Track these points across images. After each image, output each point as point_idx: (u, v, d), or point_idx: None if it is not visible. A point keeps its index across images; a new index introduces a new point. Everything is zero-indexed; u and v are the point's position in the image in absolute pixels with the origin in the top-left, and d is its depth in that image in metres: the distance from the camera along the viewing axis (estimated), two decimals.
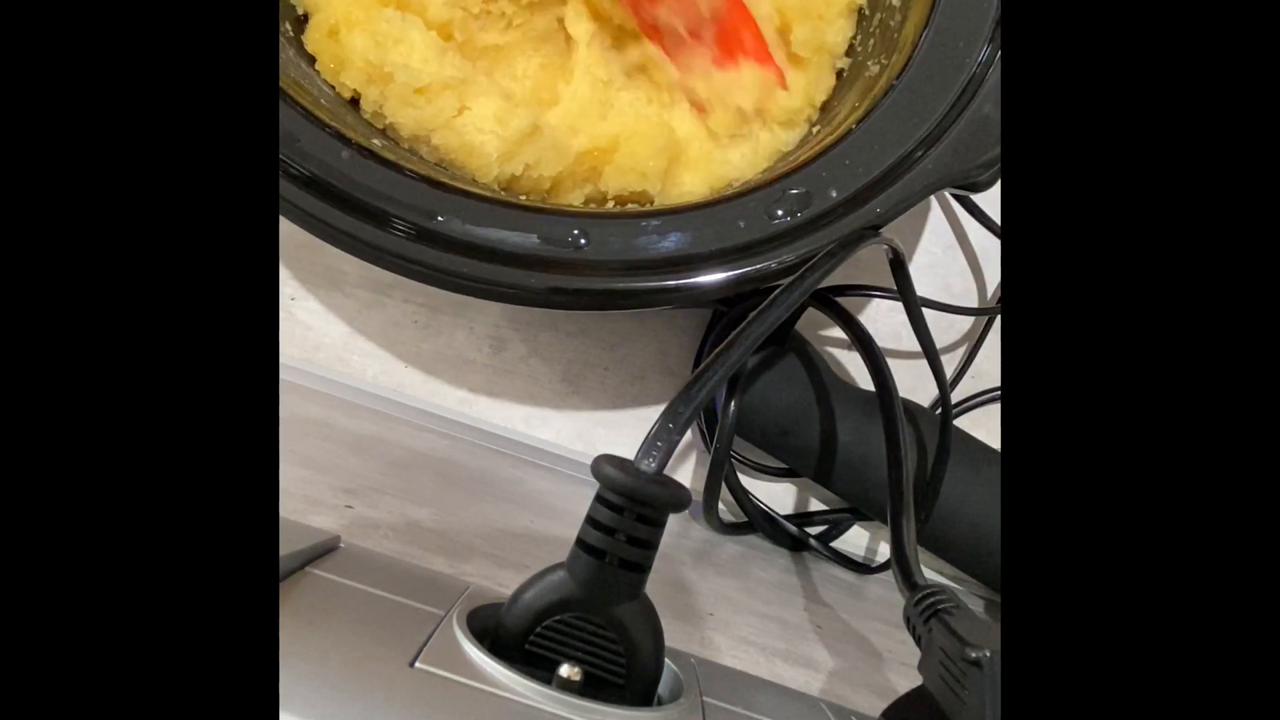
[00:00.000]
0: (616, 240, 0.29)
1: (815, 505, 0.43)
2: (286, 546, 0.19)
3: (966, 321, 0.44)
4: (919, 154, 0.29)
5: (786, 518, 0.41)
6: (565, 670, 0.19)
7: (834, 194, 0.29)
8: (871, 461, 0.37)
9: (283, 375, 0.39)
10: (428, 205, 0.29)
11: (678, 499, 0.19)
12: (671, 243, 0.29)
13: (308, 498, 0.28)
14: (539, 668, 0.19)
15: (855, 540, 0.43)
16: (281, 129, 0.28)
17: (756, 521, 0.40)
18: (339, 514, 0.27)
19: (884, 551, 0.43)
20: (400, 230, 0.28)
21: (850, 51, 0.36)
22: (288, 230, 0.28)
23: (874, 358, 0.35)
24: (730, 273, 0.28)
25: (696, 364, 0.40)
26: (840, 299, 0.38)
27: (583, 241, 0.29)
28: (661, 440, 0.20)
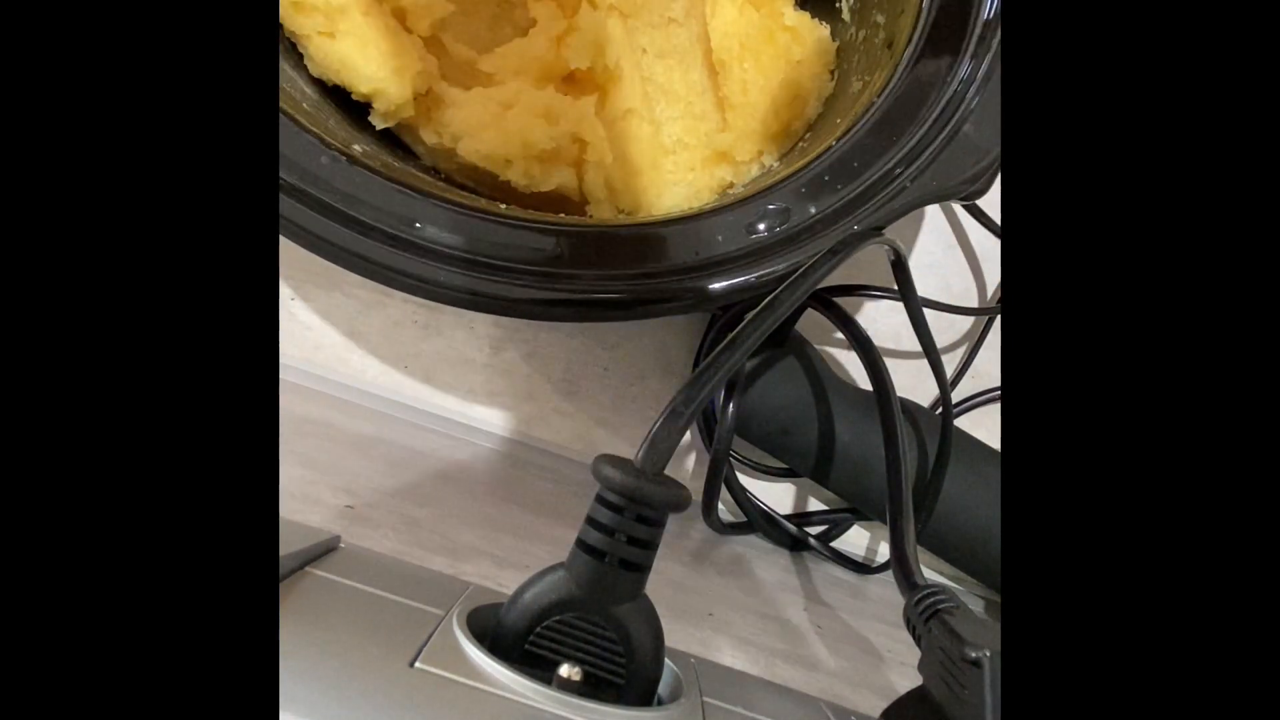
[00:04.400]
0: (593, 251, 0.29)
1: (815, 505, 0.43)
2: (286, 546, 0.19)
3: (966, 321, 0.44)
4: (898, 172, 0.29)
5: (786, 518, 0.41)
6: (565, 670, 0.19)
7: (813, 210, 0.29)
8: (871, 461, 0.37)
9: (283, 375, 0.39)
10: (406, 212, 0.29)
11: (678, 499, 0.19)
12: (649, 256, 0.29)
13: (308, 498, 0.28)
14: (539, 668, 0.19)
15: (855, 540, 0.43)
16: None
17: (756, 521, 0.40)
18: (339, 514, 0.27)
19: (884, 551, 0.43)
20: (377, 237, 0.28)
21: (836, 66, 0.36)
22: None
23: (872, 359, 0.35)
24: (708, 286, 0.29)
25: (696, 364, 0.40)
26: (840, 299, 0.38)
27: (561, 252, 0.29)
28: (661, 440, 0.20)
